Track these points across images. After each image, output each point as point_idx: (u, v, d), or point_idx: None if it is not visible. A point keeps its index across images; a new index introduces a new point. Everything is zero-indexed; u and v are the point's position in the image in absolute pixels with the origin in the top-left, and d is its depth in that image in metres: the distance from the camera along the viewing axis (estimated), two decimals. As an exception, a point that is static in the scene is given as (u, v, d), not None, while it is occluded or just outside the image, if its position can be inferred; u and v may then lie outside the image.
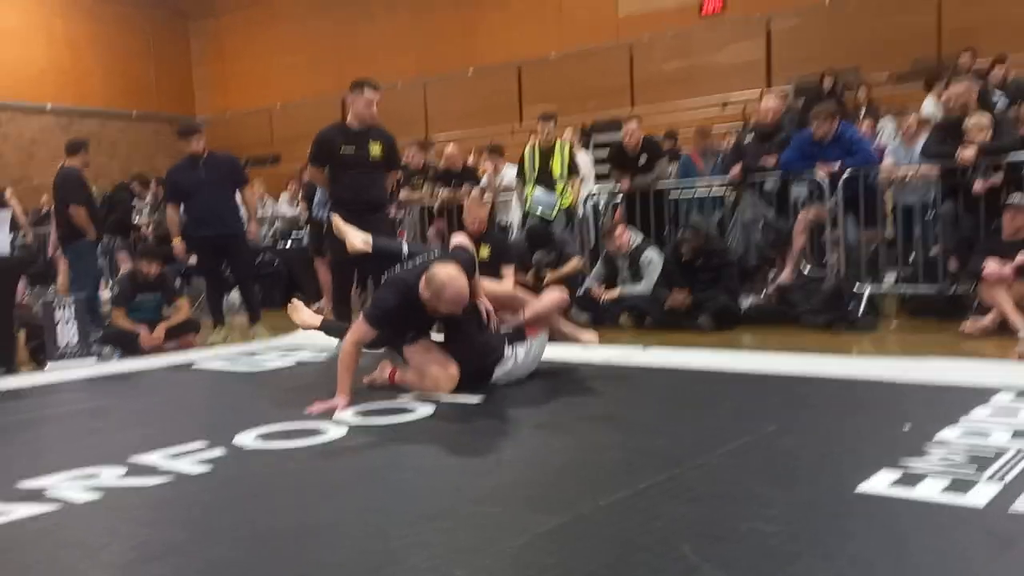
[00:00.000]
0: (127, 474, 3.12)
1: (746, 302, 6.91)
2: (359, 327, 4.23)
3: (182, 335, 6.97)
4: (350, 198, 5.86)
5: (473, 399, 4.14)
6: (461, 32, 17.22)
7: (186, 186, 6.98)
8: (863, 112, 10.84)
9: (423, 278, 4.12)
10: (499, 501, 2.65)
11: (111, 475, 3.10)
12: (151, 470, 3.15)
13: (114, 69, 19.39)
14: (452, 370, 4.26)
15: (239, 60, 20.66)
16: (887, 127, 9.60)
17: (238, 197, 7.26)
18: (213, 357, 6.25)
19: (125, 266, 10.18)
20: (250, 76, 20.39)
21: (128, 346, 6.71)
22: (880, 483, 2.56)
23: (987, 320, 5.53)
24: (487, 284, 4.73)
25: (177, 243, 7.18)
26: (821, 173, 6.82)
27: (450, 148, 9.83)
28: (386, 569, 2.14)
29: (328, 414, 3.89)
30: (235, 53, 20.77)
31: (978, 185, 6.13)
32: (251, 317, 7.35)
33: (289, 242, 11.37)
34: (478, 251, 5.35)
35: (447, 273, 4.05)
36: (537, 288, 6.06)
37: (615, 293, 7.06)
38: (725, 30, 14.51)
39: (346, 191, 5.87)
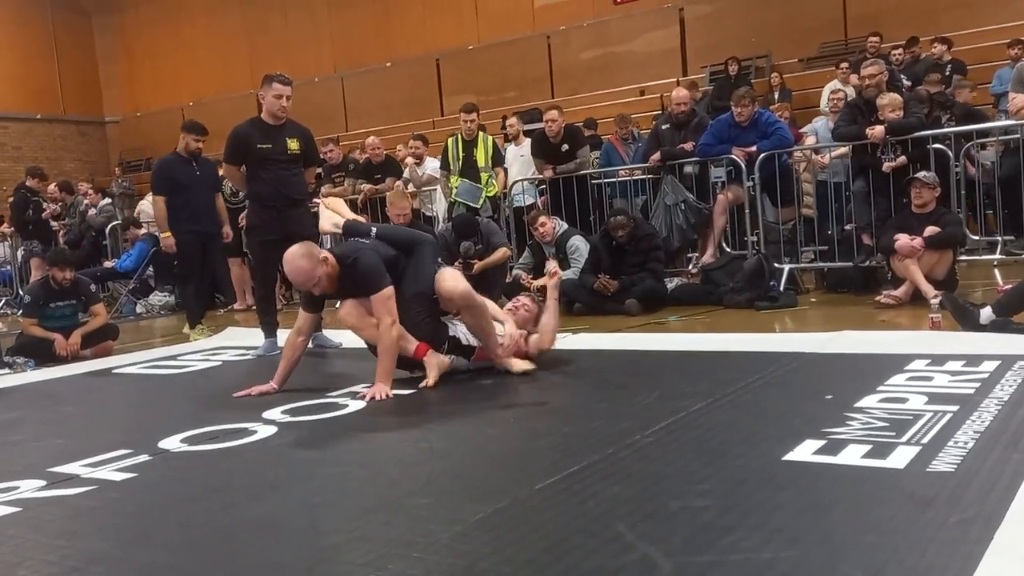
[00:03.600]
0: (46, 486, 3.00)
1: (671, 284, 7.03)
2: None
3: (100, 342, 6.73)
4: (270, 194, 5.75)
5: (404, 391, 4.11)
6: (377, 25, 17.02)
7: (183, 181, 6.86)
8: (776, 95, 11.14)
9: None
10: (434, 492, 2.63)
11: (29, 488, 2.99)
12: (72, 480, 3.04)
13: (15, 71, 18.64)
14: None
15: (147, 57, 19.99)
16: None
17: None
18: (133, 362, 6.08)
19: (37, 273, 9.79)
20: (160, 74, 19.75)
21: (43, 355, 6.45)
22: (804, 452, 2.63)
23: (900, 291, 5.73)
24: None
25: (168, 236, 6.94)
26: (739, 156, 6.98)
27: (371, 139, 9.72)
28: (322, 566, 2.11)
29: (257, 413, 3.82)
30: (143, 50, 20.09)
31: (886, 165, 6.36)
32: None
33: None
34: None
35: (292, 249, 4.11)
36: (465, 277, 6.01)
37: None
38: (640, 19, 14.70)
39: (265, 187, 5.75)
